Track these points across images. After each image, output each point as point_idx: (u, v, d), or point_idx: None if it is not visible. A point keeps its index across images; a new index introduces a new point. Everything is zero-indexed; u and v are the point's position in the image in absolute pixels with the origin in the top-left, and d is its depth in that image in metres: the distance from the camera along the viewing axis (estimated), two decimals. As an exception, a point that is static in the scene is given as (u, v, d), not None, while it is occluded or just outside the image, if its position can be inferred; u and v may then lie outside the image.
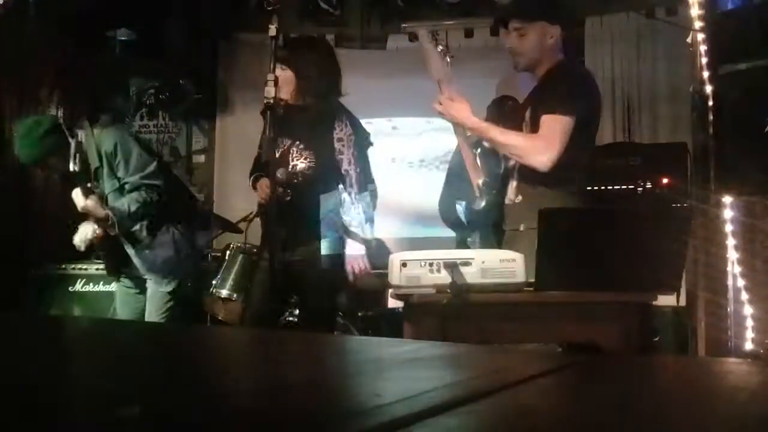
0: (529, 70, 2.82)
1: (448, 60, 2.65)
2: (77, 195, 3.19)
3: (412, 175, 5.95)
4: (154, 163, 3.31)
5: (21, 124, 3.42)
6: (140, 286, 3.43)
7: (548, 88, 2.70)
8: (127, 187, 3.23)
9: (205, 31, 5.75)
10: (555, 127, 2.57)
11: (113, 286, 3.67)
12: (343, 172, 3.10)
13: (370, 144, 3.35)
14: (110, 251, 3.39)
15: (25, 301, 4.35)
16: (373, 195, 3.30)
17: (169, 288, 3.31)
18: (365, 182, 3.20)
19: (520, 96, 4.08)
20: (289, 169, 3.06)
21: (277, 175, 2.89)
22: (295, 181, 3.06)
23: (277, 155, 3.02)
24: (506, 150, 2.66)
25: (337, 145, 3.11)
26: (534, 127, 2.66)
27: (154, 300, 3.33)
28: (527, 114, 2.74)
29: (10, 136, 4.69)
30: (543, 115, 2.60)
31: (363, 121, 3.39)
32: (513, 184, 2.75)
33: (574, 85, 2.74)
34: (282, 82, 2.80)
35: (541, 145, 2.57)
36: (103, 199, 3.22)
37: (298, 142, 3.09)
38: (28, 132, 3.23)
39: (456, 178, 3.98)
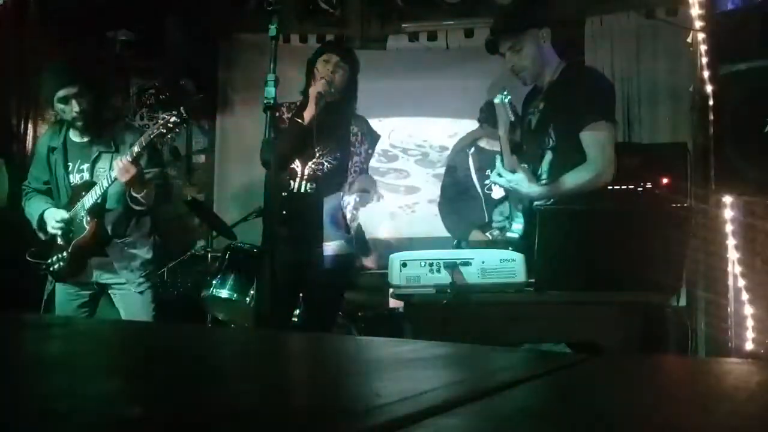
0: (537, 81, 2.79)
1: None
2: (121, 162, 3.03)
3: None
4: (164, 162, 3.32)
5: None
6: (91, 294, 3.31)
7: (569, 97, 2.65)
8: (148, 176, 3.16)
9: (205, 31, 5.75)
10: (600, 146, 2.55)
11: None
12: (352, 168, 3.13)
13: (378, 137, 3.38)
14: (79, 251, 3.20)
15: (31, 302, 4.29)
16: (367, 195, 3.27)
17: (141, 289, 3.24)
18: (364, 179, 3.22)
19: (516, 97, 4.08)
20: (314, 162, 3.09)
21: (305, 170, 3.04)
22: (319, 174, 3.08)
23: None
24: (579, 191, 2.57)
25: (352, 139, 3.15)
26: (561, 140, 2.63)
27: (134, 304, 3.24)
28: (550, 126, 2.67)
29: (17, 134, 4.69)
30: (581, 132, 2.56)
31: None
32: None
33: (600, 89, 2.71)
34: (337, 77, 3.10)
35: (600, 172, 2.56)
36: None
37: (324, 137, 3.08)
38: None
39: (452, 188, 4.04)
